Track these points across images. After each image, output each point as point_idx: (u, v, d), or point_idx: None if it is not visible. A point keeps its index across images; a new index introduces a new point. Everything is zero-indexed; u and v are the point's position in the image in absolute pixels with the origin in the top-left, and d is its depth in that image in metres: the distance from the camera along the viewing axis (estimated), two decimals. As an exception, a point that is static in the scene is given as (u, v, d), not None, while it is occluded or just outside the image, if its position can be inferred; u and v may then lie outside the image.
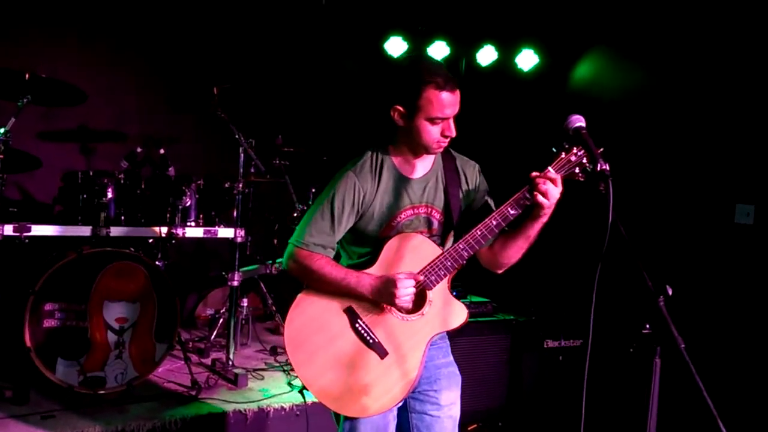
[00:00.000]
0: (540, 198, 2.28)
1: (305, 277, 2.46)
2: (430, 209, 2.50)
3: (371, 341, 2.41)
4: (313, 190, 5.31)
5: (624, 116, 4.96)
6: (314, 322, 2.43)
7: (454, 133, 2.37)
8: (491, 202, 2.56)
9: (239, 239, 4.40)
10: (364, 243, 2.49)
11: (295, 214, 5.01)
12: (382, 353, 2.40)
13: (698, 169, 4.51)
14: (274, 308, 5.09)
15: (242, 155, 4.48)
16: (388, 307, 2.41)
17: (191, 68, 5.48)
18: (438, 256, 2.40)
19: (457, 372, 2.64)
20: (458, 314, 2.44)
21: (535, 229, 2.38)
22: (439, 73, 2.31)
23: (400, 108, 2.37)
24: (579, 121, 2.25)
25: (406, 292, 2.33)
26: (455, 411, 2.59)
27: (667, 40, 4.71)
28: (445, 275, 2.40)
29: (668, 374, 1.99)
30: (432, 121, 2.33)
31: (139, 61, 5.41)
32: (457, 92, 2.33)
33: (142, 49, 5.40)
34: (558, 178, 2.29)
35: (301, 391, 2.27)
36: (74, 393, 3.78)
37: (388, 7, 5.92)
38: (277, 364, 4.68)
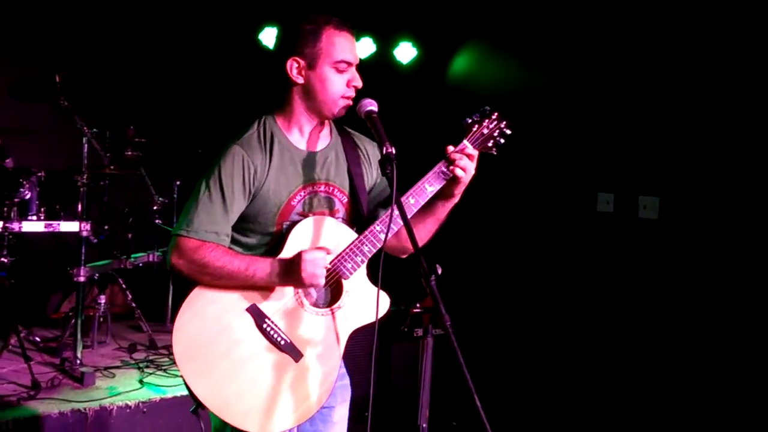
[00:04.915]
0: (458, 172, 2.15)
1: (196, 273, 2.06)
2: (331, 187, 2.22)
3: (282, 343, 2.07)
4: (178, 182, 5.18)
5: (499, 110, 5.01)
6: (212, 326, 2.05)
7: (360, 84, 2.17)
8: None
9: (84, 233, 4.24)
10: (261, 231, 2.16)
11: (155, 207, 4.87)
12: (296, 355, 2.08)
13: (561, 161, 4.66)
14: (134, 305, 4.94)
15: (86, 146, 4.32)
16: (299, 301, 2.12)
17: (32, 53, 5.24)
18: (353, 241, 2.13)
19: (349, 385, 2.40)
20: (380, 304, 2.08)
21: (446, 209, 2.24)
22: (334, 17, 2.15)
23: (299, 59, 2.12)
24: (371, 105, 2.16)
25: (316, 263, 2.02)
26: (344, 428, 2.37)
27: (538, 36, 4.79)
28: (362, 261, 2.13)
29: (442, 352, 1.97)
30: (337, 67, 2.12)
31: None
32: (354, 40, 2.18)
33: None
34: (475, 154, 2.19)
35: (194, 411, 1.90)
36: None
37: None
38: (133, 362, 4.54)
